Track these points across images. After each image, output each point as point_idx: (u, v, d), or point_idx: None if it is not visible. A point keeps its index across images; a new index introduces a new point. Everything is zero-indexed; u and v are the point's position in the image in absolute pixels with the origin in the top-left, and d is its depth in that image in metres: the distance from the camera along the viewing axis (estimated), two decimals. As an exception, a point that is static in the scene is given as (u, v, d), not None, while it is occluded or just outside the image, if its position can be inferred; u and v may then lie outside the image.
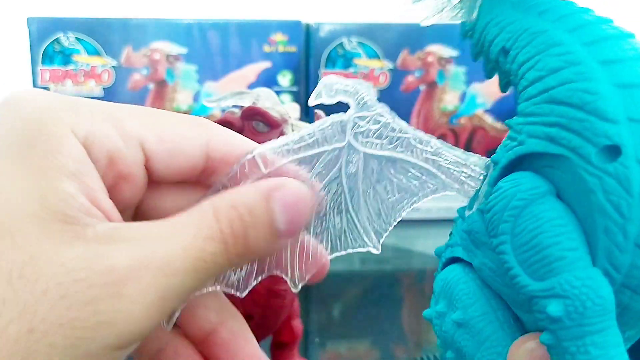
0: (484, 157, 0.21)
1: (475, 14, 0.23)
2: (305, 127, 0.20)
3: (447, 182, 0.21)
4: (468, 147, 0.75)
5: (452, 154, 0.20)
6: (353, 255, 0.71)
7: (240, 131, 0.33)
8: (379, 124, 0.20)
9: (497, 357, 0.22)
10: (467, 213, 0.22)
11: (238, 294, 0.20)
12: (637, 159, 0.18)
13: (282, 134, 0.32)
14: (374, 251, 0.22)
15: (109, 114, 0.18)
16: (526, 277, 0.19)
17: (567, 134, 0.19)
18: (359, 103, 0.20)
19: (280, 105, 0.33)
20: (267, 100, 0.33)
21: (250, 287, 0.21)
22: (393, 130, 0.21)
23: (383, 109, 0.21)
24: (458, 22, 0.23)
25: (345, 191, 0.21)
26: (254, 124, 0.32)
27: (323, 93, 0.21)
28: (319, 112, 0.31)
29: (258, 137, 0.32)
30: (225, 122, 0.33)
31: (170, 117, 0.20)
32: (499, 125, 0.75)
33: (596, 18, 0.20)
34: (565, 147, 0.19)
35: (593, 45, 0.19)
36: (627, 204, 0.18)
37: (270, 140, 0.31)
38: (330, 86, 0.21)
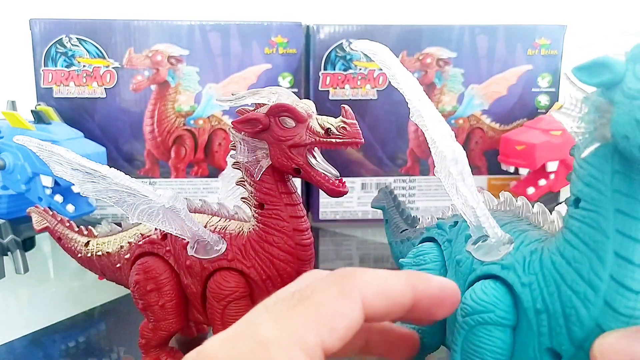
0: None
1: None
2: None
3: None
4: (466, 148, 0.75)
5: None
6: (352, 255, 0.72)
7: (266, 127, 0.33)
8: None
9: None
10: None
11: None
12: None
13: (308, 128, 0.33)
14: None
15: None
16: None
17: None
18: None
19: (300, 101, 0.34)
20: (287, 98, 0.33)
21: None
22: None
23: None
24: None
25: None
26: (280, 119, 0.33)
27: None
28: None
29: (286, 132, 0.33)
30: (251, 120, 0.33)
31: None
32: (496, 125, 0.75)
33: None
34: None
35: None
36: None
37: (297, 135, 0.33)
38: None
